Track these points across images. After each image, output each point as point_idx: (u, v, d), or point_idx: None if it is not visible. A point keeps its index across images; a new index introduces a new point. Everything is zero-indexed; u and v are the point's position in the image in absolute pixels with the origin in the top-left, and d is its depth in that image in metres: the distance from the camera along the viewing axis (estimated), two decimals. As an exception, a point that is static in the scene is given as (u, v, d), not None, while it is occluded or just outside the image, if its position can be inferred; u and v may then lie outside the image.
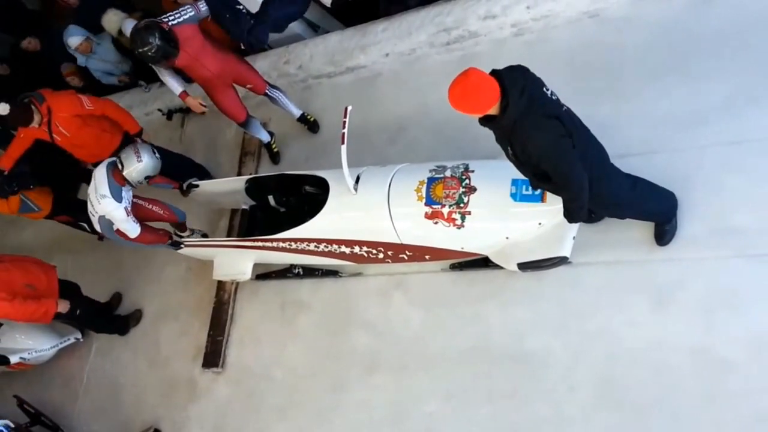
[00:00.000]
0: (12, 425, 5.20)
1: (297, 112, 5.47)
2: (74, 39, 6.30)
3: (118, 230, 4.69)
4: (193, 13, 4.54)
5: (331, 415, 4.60)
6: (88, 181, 4.85)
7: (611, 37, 4.45)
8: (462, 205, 3.86)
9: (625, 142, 3.91)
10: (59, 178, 6.16)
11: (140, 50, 4.46)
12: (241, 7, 4.81)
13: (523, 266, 3.91)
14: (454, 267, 4.41)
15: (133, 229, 4.70)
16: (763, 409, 3.31)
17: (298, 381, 4.83)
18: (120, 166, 4.51)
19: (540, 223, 3.79)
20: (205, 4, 4.59)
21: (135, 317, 5.93)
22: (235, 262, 5.06)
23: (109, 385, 5.84)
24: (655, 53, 4.25)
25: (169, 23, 4.47)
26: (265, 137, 5.57)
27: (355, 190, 4.11)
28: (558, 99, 3.09)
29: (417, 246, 4.17)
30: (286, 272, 5.10)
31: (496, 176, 3.82)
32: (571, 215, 3.39)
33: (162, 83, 6.60)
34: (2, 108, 4.83)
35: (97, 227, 4.74)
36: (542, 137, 2.98)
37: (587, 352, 3.83)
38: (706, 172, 3.78)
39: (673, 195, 3.70)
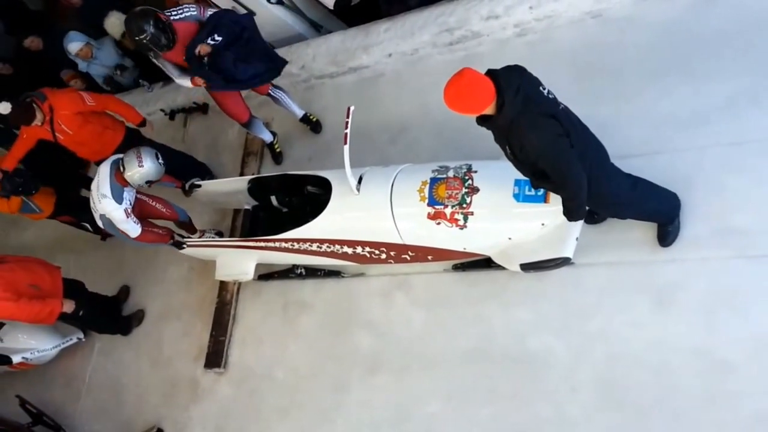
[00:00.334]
0: None
1: (299, 113, 5.48)
2: (74, 45, 6.31)
3: None
4: (195, 13, 4.56)
5: (332, 415, 4.61)
6: (90, 182, 4.87)
7: (613, 37, 4.46)
8: (465, 205, 3.86)
9: (627, 143, 3.91)
10: (62, 178, 6.18)
11: (136, 38, 4.43)
12: (231, 56, 4.66)
13: (526, 267, 3.90)
14: (457, 267, 4.42)
15: (133, 229, 4.71)
16: (763, 409, 3.31)
17: (300, 381, 4.84)
18: (122, 168, 4.52)
19: (543, 224, 3.79)
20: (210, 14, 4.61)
21: (137, 317, 5.94)
22: (238, 262, 5.06)
23: (112, 385, 5.84)
24: (657, 53, 4.25)
25: (171, 18, 4.49)
26: (268, 137, 5.57)
27: (358, 190, 4.11)
28: (555, 98, 3.10)
29: (419, 246, 4.17)
30: (288, 272, 5.11)
31: (498, 177, 3.83)
32: (570, 213, 3.40)
33: (164, 84, 6.68)
34: (3, 107, 4.85)
35: (99, 223, 4.76)
36: (539, 136, 2.99)
37: (589, 352, 3.83)
38: (707, 172, 3.78)
39: (676, 196, 3.69)
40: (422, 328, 4.45)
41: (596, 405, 3.73)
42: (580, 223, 3.73)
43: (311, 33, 6.02)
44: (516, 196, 3.77)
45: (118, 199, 4.54)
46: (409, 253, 4.25)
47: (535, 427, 3.88)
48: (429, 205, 3.94)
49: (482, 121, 3.06)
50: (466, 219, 3.88)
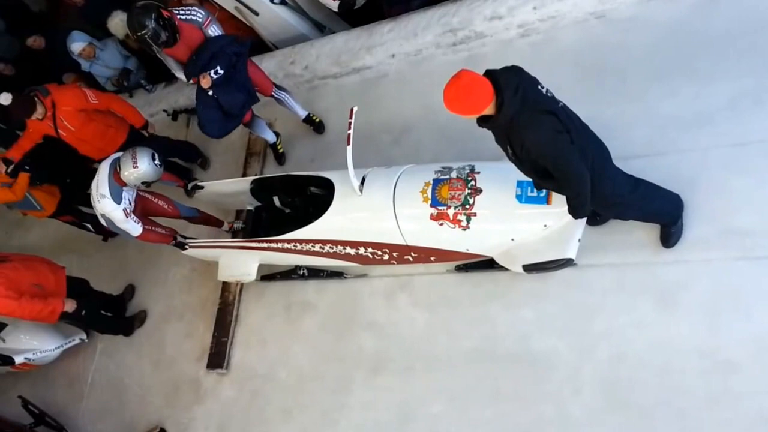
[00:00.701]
0: None
1: (302, 113, 5.48)
2: (77, 45, 6.32)
3: None
4: (200, 20, 4.58)
5: (336, 416, 4.60)
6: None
7: (617, 37, 4.46)
8: (467, 206, 3.86)
9: (630, 143, 3.92)
10: (67, 177, 6.19)
11: (138, 33, 4.46)
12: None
13: (529, 268, 3.90)
14: (460, 268, 4.41)
15: (133, 229, 4.71)
16: (767, 409, 3.31)
17: (303, 382, 4.84)
18: (118, 168, 4.51)
19: (545, 225, 3.78)
20: (217, 30, 4.65)
21: (140, 318, 5.93)
22: (240, 263, 5.06)
23: (114, 386, 5.84)
24: (661, 54, 4.24)
25: (177, 16, 4.51)
26: (271, 138, 5.57)
27: (361, 191, 4.11)
28: (553, 96, 3.11)
29: (422, 247, 4.17)
30: (291, 273, 5.11)
31: (501, 178, 3.83)
32: (575, 210, 3.40)
33: (166, 84, 6.69)
34: (4, 98, 4.90)
35: (102, 222, 4.76)
36: (539, 133, 2.99)
37: (592, 353, 3.83)
38: (711, 173, 3.77)
39: (678, 197, 3.69)
40: (425, 328, 4.45)
41: (600, 406, 3.72)
42: (583, 224, 3.73)
43: (314, 33, 6.03)
44: (519, 198, 3.77)
45: (117, 199, 4.52)
46: (412, 254, 4.25)
47: (538, 428, 3.87)
48: (432, 206, 3.94)
49: (482, 121, 3.06)
50: (468, 220, 3.88)
